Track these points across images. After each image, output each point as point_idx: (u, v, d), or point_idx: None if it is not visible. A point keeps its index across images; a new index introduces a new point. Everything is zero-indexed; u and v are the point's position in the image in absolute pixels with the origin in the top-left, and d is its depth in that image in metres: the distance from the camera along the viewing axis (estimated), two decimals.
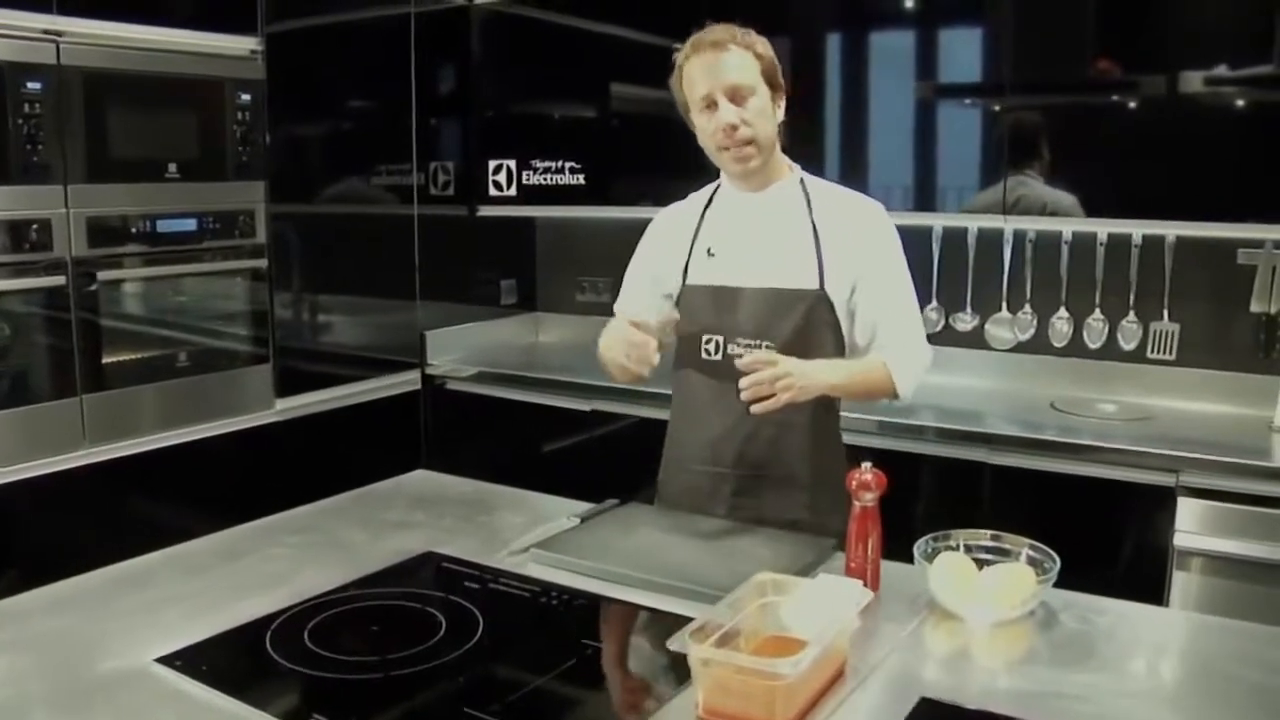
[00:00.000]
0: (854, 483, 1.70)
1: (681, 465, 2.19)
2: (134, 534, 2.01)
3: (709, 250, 2.15)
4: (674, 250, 2.19)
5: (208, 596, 1.72)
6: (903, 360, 2.08)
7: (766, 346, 2.03)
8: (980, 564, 1.68)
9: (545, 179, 3.80)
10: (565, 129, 3.87)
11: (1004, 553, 1.71)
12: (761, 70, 2.02)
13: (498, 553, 1.89)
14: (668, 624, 1.54)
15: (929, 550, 1.70)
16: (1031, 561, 1.67)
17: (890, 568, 1.78)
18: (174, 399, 3.01)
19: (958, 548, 1.71)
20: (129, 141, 2.86)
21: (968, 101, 3.26)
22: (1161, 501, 2.64)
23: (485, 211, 3.95)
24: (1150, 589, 2.65)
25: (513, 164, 3.85)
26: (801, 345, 2.03)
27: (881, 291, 2.08)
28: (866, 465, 1.71)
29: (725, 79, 2.00)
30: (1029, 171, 3.03)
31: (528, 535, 1.94)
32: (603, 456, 3.43)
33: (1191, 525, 2.61)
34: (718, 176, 2.21)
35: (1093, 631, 1.59)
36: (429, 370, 3.82)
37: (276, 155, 3.22)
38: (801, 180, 2.14)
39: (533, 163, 3.81)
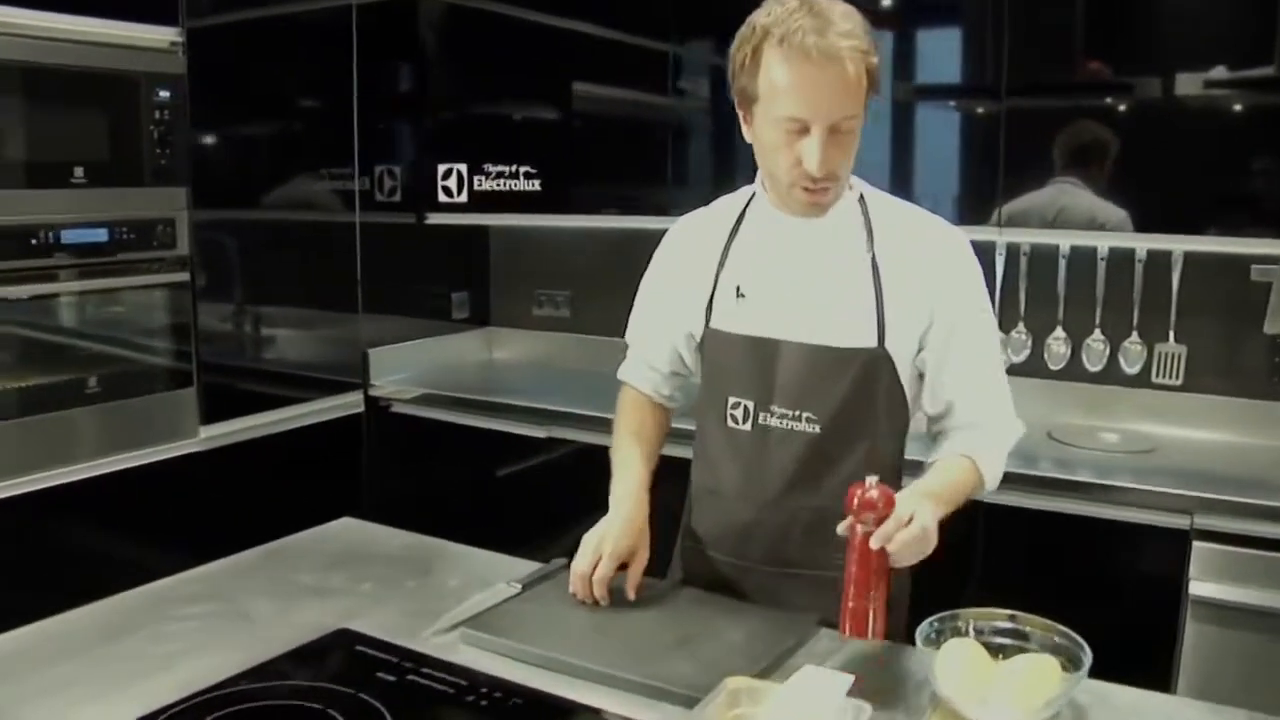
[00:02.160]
0: (855, 501, 1.41)
1: (700, 550, 1.83)
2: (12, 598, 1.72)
3: (738, 289, 1.73)
4: (696, 280, 1.79)
5: (74, 691, 1.42)
6: (992, 448, 1.69)
7: (807, 419, 1.67)
8: (994, 651, 1.41)
9: (499, 184, 3.50)
10: (520, 131, 3.58)
11: (1023, 637, 1.44)
12: (868, 86, 1.56)
13: (424, 629, 1.61)
14: None
15: (933, 634, 1.43)
16: (1057, 650, 1.40)
17: (871, 645, 1.52)
18: (83, 428, 2.69)
19: (967, 631, 1.44)
20: (28, 143, 2.54)
21: (951, 104, 3.01)
22: (1173, 545, 2.39)
23: (435, 219, 3.65)
24: (1160, 642, 2.41)
25: (463, 168, 3.55)
26: (850, 416, 1.66)
27: (961, 350, 1.67)
28: (872, 480, 1.42)
29: (833, 111, 1.53)
30: (1072, 179, 2.75)
31: (459, 608, 1.65)
32: (559, 487, 3.14)
33: (1206, 572, 2.36)
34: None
35: None
36: (372, 391, 3.53)
37: (201, 159, 2.92)
38: (861, 197, 1.71)
39: (485, 167, 3.51)
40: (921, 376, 1.71)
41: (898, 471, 1.75)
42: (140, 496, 2.81)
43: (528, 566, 1.83)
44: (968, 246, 1.70)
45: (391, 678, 1.44)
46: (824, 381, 1.66)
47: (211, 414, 3.01)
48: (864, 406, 1.66)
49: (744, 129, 1.66)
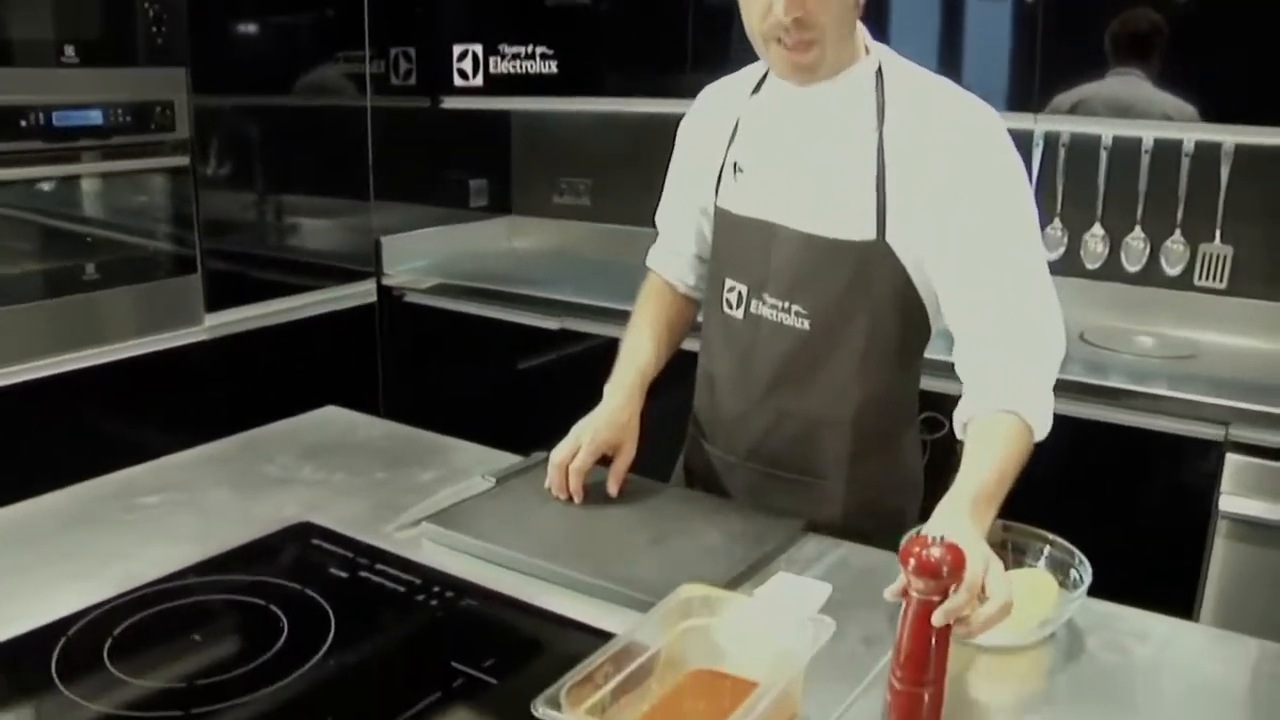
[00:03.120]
0: (911, 562, 1.04)
1: (697, 440, 1.76)
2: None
3: (735, 165, 1.58)
4: (711, 152, 1.64)
5: (10, 583, 1.36)
6: (1034, 385, 1.39)
7: (797, 313, 1.51)
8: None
9: (515, 66, 3.35)
10: (538, 10, 3.40)
11: (1017, 550, 1.33)
12: None
13: (389, 524, 1.53)
14: (579, 640, 1.19)
15: None
16: (1054, 564, 1.29)
17: (857, 554, 1.42)
18: (80, 316, 2.63)
19: None
20: (15, 19, 2.43)
21: None
22: (1205, 458, 2.26)
23: (450, 103, 3.52)
24: (1185, 559, 2.29)
25: (479, 49, 3.39)
26: (844, 316, 1.49)
27: (983, 249, 1.40)
28: (936, 534, 1.05)
29: None
30: (1134, 70, 2.53)
31: (427, 501, 1.57)
32: (580, 380, 3.04)
33: (1239, 487, 2.23)
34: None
35: (1131, 666, 1.21)
36: (385, 280, 3.43)
37: (201, 38, 2.79)
38: (879, 69, 1.48)
39: (501, 48, 3.36)
40: (938, 280, 1.48)
41: (908, 386, 1.63)
42: (142, 385, 2.76)
43: (510, 460, 1.75)
44: (1002, 131, 1.43)
45: (344, 574, 1.36)
46: (817, 274, 1.49)
47: (217, 301, 2.95)
48: (860, 306, 1.48)
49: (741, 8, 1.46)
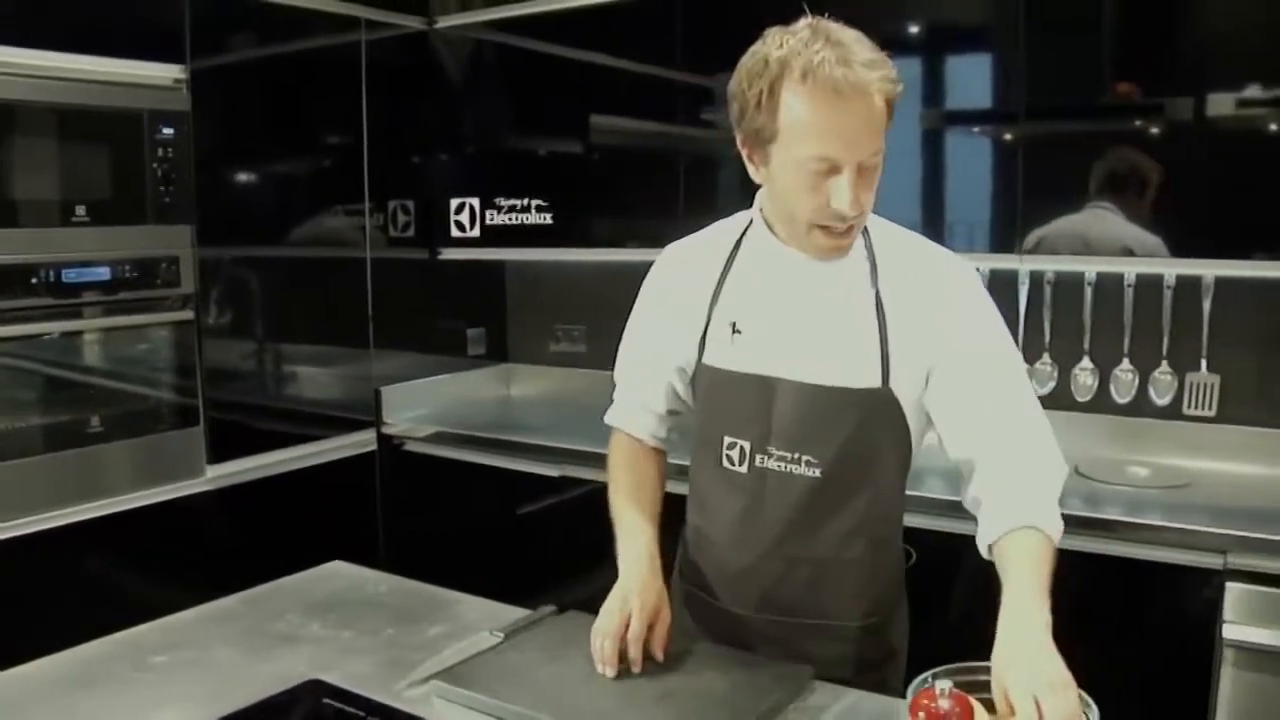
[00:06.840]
0: (921, 714, 1.11)
1: (697, 597, 1.74)
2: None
3: (734, 326, 1.62)
4: (689, 312, 1.68)
5: None
6: (1046, 501, 1.48)
7: (807, 462, 1.56)
8: (989, 707, 1.31)
9: (510, 219, 3.45)
10: (533, 164, 3.52)
11: None
12: (888, 116, 1.45)
13: (399, 681, 1.53)
14: None
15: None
16: None
17: (866, 702, 1.43)
18: (84, 469, 2.66)
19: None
20: (28, 181, 2.52)
21: (976, 130, 2.91)
22: (1206, 587, 2.27)
23: (448, 254, 3.61)
24: (1194, 690, 2.27)
25: (475, 202, 3.51)
26: (853, 460, 1.55)
27: (985, 388, 1.52)
28: (944, 686, 1.12)
29: (864, 148, 1.42)
30: (1107, 205, 2.63)
31: (436, 658, 1.57)
32: (580, 528, 3.05)
33: (1242, 614, 2.22)
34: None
35: None
36: (385, 429, 3.47)
37: (207, 196, 2.89)
38: (865, 230, 1.58)
39: (497, 201, 3.47)
40: (932, 418, 1.58)
41: (900, 518, 1.68)
42: (144, 538, 2.77)
43: (517, 614, 1.75)
44: (977, 282, 1.59)
45: None
46: (825, 423, 1.55)
47: (219, 453, 2.98)
48: (867, 450, 1.56)
49: (752, 170, 1.55)
